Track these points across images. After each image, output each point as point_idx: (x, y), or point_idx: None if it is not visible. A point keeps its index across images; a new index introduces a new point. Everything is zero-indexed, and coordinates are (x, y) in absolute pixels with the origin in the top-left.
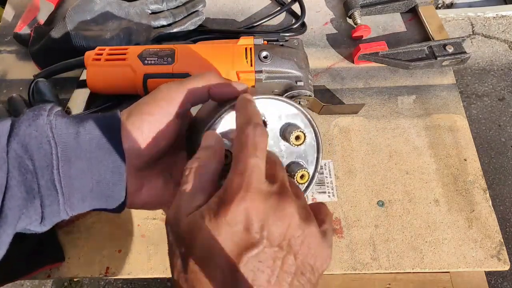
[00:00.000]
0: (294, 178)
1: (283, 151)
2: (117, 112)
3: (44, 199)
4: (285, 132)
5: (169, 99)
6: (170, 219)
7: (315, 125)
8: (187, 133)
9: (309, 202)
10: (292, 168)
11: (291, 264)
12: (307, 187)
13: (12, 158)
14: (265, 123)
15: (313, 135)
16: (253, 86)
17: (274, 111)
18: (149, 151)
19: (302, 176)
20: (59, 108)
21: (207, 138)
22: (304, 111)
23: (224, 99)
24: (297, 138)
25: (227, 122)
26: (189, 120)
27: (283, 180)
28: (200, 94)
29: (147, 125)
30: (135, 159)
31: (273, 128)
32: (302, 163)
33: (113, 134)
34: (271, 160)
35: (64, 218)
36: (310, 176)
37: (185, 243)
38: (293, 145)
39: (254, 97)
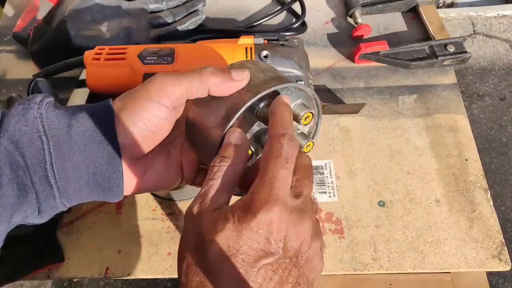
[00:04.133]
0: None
1: None
2: (109, 101)
3: (39, 194)
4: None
5: (163, 94)
6: (192, 212)
7: (317, 99)
8: (187, 119)
9: None
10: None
11: (294, 276)
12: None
13: (2, 155)
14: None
15: (314, 103)
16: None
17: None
18: (147, 145)
19: (306, 118)
20: (50, 99)
21: (232, 135)
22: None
23: (225, 95)
24: (306, 118)
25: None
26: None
27: (308, 196)
28: (196, 90)
29: (141, 121)
30: (134, 153)
31: None
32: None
33: (107, 126)
34: (303, 172)
35: (63, 209)
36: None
37: (203, 238)
38: (302, 124)
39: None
